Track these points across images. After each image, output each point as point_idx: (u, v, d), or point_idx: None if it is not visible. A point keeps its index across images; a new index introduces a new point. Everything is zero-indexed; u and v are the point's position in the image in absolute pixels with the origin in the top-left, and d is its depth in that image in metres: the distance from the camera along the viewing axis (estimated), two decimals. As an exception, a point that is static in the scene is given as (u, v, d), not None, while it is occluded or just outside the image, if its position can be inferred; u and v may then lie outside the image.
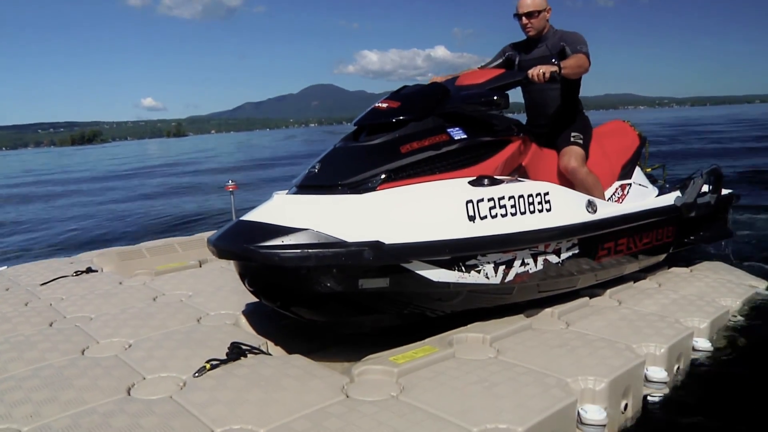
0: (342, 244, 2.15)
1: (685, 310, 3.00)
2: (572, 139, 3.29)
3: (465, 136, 2.60)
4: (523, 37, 3.43)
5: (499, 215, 2.49)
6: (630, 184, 3.61)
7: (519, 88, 3.31)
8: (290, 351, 2.66)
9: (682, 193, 3.59)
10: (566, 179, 3.24)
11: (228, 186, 5.70)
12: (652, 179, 4.24)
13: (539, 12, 3.29)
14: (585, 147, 3.32)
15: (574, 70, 3.11)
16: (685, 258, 4.10)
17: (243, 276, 2.46)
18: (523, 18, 3.31)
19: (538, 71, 2.92)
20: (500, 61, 3.51)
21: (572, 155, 3.24)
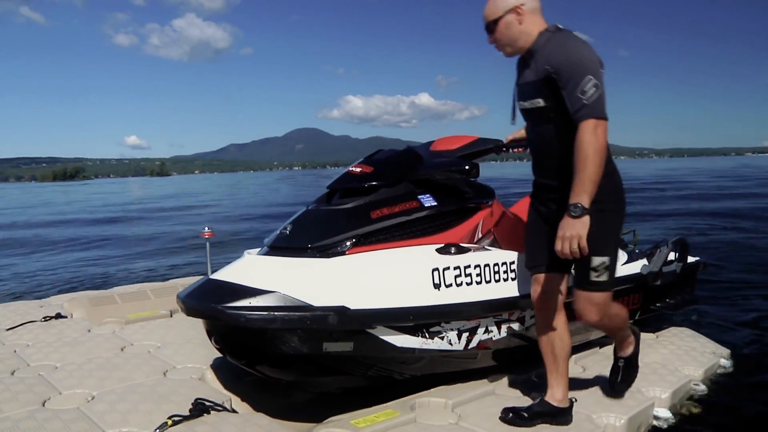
0: (308, 308, 2.19)
1: (647, 379, 3.04)
2: (593, 277, 2.27)
3: (435, 203, 2.68)
4: None
5: (464, 283, 2.55)
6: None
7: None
8: (255, 407, 2.66)
9: (649, 261, 3.69)
10: None
11: (204, 233, 5.72)
12: (623, 244, 4.34)
13: (497, 20, 2.30)
14: (612, 267, 2.30)
15: (598, 177, 2.12)
16: (653, 322, 4.17)
17: (210, 333, 2.48)
18: (488, 36, 2.38)
19: (564, 248, 2.12)
20: None
21: (589, 305, 2.32)
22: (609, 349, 3.51)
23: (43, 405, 2.53)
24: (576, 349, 3.38)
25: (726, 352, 3.68)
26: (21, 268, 9.13)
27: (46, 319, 3.91)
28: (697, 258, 4.37)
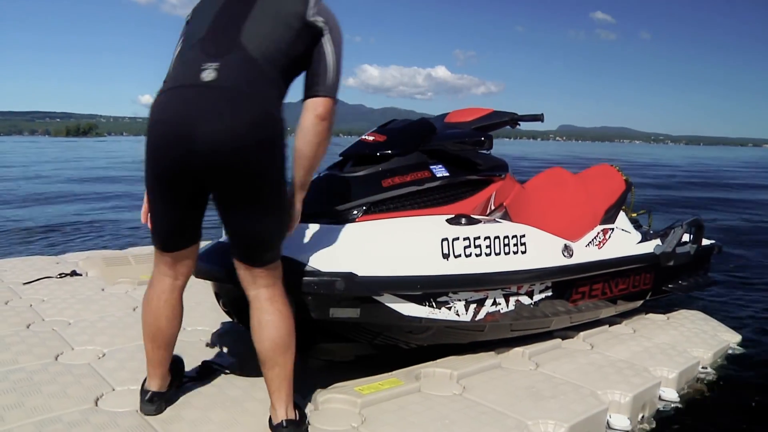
0: (315, 272, 2.20)
1: (655, 359, 3.03)
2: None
3: (447, 174, 2.66)
4: None
5: (473, 254, 2.54)
6: (612, 229, 3.65)
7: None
8: (261, 373, 2.69)
9: (662, 241, 3.65)
10: (548, 220, 3.29)
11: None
12: (637, 225, 4.29)
13: None
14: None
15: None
16: (664, 304, 4.15)
17: (218, 296, 2.51)
18: None
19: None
20: None
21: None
22: (618, 328, 3.53)
23: (56, 359, 2.59)
24: (585, 326, 3.38)
25: (737, 337, 3.66)
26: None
27: (62, 275, 3.97)
28: (713, 241, 4.32)
